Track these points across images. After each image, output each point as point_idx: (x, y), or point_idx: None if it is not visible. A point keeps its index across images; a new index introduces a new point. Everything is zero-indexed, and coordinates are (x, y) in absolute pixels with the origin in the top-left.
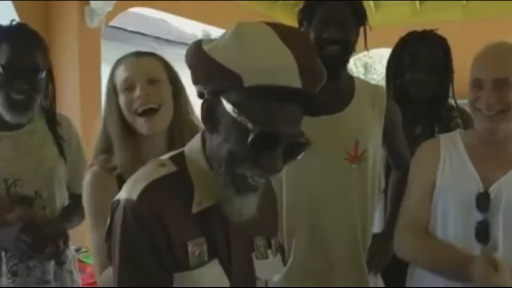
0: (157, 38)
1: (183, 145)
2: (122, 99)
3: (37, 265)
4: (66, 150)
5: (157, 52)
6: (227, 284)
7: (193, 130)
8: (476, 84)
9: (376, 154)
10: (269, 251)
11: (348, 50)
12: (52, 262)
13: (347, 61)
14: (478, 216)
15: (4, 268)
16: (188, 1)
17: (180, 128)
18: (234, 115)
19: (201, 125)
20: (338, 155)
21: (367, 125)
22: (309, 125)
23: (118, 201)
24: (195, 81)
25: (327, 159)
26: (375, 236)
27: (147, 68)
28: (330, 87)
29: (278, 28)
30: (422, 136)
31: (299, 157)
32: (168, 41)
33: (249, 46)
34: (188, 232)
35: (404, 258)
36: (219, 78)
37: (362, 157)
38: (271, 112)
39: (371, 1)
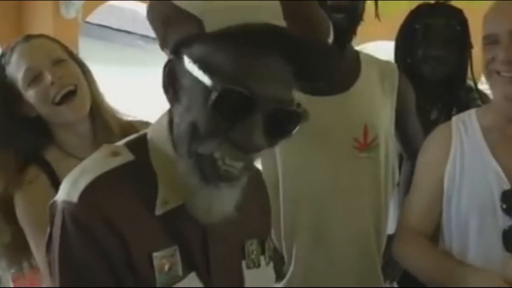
0: (143, 36)
1: (110, 130)
2: (31, 94)
3: None
4: None
5: (144, 50)
6: None
7: (116, 116)
8: (490, 40)
9: (388, 140)
10: (261, 258)
11: (355, 19)
12: None
13: (354, 32)
14: (506, 220)
15: None
16: None
17: (100, 110)
18: (195, 73)
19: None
20: (344, 143)
21: (376, 106)
22: (308, 109)
23: (56, 203)
24: (162, 44)
25: (332, 147)
26: (390, 237)
27: (46, 49)
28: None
29: None
30: (438, 121)
31: (293, 132)
32: (155, 39)
33: None
34: (153, 241)
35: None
36: (178, 27)
37: (373, 144)
38: (242, 64)
39: None
